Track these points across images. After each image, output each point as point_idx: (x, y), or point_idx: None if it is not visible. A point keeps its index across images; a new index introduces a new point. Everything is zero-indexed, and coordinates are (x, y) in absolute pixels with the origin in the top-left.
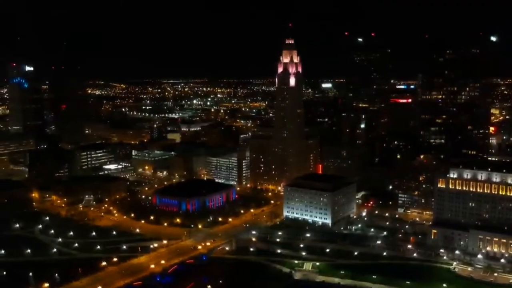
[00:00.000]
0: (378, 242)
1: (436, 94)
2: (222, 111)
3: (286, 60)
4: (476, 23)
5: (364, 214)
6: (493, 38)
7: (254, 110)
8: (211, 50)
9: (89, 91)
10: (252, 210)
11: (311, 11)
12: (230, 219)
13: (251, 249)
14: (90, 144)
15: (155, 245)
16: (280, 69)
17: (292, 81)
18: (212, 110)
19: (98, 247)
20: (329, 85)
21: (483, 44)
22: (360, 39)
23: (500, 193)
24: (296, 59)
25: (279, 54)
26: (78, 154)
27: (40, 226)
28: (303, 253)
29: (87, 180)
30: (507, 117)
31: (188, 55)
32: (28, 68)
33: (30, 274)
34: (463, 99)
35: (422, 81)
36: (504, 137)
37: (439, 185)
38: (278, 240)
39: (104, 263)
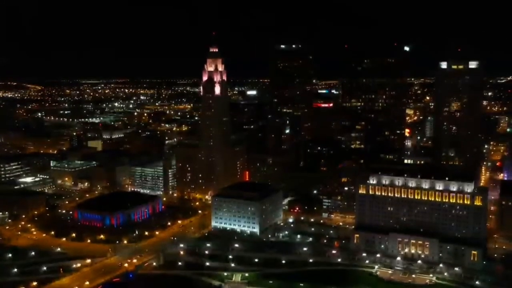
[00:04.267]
0: (305, 248)
1: (355, 102)
2: (145, 114)
3: (210, 68)
4: (392, 35)
5: (290, 220)
6: (406, 48)
7: (179, 113)
8: (133, 48)
9: (0, 94)
10: (179, 222)
11: (237, 17)
12: (157, 232)
13: (180, 263)
14: (3, 156)
15: (78, 264)
16: (204, 78)
17: (217, 90)
18: (135, 113)
19: (15, 270)
20: (254, 92)
21: (398, 53)
22: (283, 46)
23: (416, 197)
24: (220, 68)
25: (206, 51)
26: None
27: None
28: (232, 265)
29: (1, 196)
30: (420, 117)
31: (108, 53)
32: None
33: None
34: (380, 105)
35: (342, 89)
36: (419, 138)
37: (360, 191)
38: (206, 252)
39: None
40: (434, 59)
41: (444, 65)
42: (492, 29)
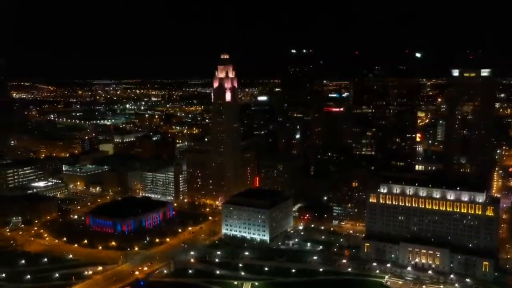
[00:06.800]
0: (315, 257)
1: (366, 108)
2: (156, 116)
3: (221, 75)
4: (402, 42)
5: (300, 227)
6: (418, 55)
7: (190, 115)
8: (142, 47)
9: (14, 95)
10: (190, 228)
11: (246, 17)
12: (167, 239)
13: (190, 271)
14: (17, 161)
15: (90, 272)
16: (215, 84)
17: (228, 96)
18: (146, 115)
19: (28, 276)
20: (264, 97)
21: (409, 60)
22: (293, 51)
23: (427, 206)
24: (231, 74)
25: (215, 49)
26: (4, 171)
27: None
28: (242, 273)
29: (14, 200)
30: (432, 120)
31: (119, 52)
32: None
33: None
34: (391, 112)
35: (353, 93)
36: (430, 142)
37: (370, 200)
38: (217, 260)
39: None
40: (446, 59)
41: (456, 72)
42: (504, 28)
